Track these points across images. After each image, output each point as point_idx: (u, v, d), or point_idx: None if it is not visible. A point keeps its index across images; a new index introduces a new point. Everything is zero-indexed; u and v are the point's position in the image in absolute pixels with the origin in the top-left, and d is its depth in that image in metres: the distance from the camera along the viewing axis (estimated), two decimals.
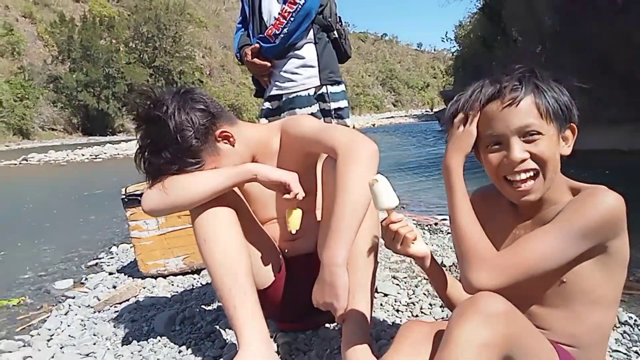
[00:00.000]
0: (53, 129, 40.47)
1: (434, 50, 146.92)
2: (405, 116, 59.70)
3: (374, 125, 37.81)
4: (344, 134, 1.40)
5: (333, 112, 2.38)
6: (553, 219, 0.99)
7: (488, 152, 1.06)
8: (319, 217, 1.62)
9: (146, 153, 1.46)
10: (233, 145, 1.51)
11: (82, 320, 2.31)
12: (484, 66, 16.60)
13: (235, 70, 62.97)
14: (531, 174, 1.02)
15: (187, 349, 1.76)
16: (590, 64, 6.82)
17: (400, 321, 1.87)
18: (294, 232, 1.50)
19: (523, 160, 1.01)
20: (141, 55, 48.84)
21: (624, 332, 1.81)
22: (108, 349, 1.88)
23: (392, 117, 59.10)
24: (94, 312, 2.41)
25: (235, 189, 1.56)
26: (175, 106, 1.44)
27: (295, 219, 1.50)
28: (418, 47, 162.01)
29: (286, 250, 1.70)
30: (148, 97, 1.49)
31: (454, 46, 32.33)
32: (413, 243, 1.15)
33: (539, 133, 1.00)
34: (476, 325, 0.86)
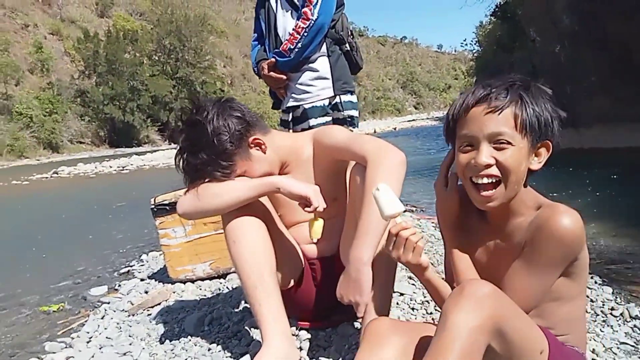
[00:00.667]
0: (81, 142, 41.52)
1: (455, 51, 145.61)
2: (427, 119, 59.31)
3: (395, 129, 37.68)
4: (374, 143, 1.52)
5: (352, 120, 2.50)
6: (524, 253, 1.06)
7: (460, 152, 1.11)
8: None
9: (185, 154, 1.59)
10: (264, 152, 1.65)
11: (117, 323, 2.47)
12: (504, 67, 16.50)
13: (256, 79, 62.73)
14: (493, 180, 1.07)
15: (215, 346, 1.89)
16: (611, 62, 6.77)
17: (415, 318, 1.96)
18: (315, 240, 1.60)
19: (489, 166, 1.05)
20: (164, 67, 49.79)
21: (634, 326, 1.87)
22: (143, 348, 2.02)
23: (414, 120, 58.76)
24: (129, 315, 2.56)
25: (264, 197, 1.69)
26: (215, 112, 1.58)
27: (317, 229, 1.59)
28: (438, 48, 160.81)
29: (311, 253, 1.82)
30: (192, 103, 1.65)
31: (475, 48, 32.15)
32: (423, 252, 1.16)
33: (509, 143, 1.05)
34: (466, 310, 0.94)
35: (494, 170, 1.07)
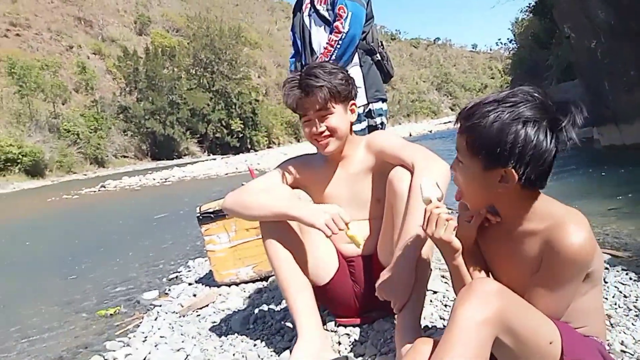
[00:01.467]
0: (125, 156, 43.10)
1: (490, 50, 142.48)
2: None
3: (430, 131, 37.32)
4: (422, 152, 1.64)
5: (379, 127, 2.62)
6: (541, 272, 1.12)
7: None
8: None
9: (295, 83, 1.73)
10: (351, 122, 1.80)
11: (170, 324, 2.66)
12: (540, 64, 16.16)
13: None
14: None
15: (260, 342, 2.03)
16: None
17: (447, 315, 2.05)
18: (361, 248, 1.69)
19: (455, 177, 1.20)
20: (201, 81, 51.13)
21: None
22: (194, 345, 2.19)
23: (450, 121, 57.83)
24: (179, 316, 2.75)
25: (303, 193, 1.85)
26: (341, 69, 1.80)
27: (356, 239, 1.63)
28: (473, 48, 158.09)
29: (350, 252, 1.92)
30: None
31: (511, 45, 31.55)
32: (454, 231, 1.21)
33: (460, 161, 1.16)
34: (473, 305, 1.02)
35: (456, 181, 1.22)
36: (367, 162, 1.80)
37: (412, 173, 1.59)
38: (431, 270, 1.67)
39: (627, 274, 2.50)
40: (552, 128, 1.05)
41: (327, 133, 1.73)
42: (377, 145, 1.79)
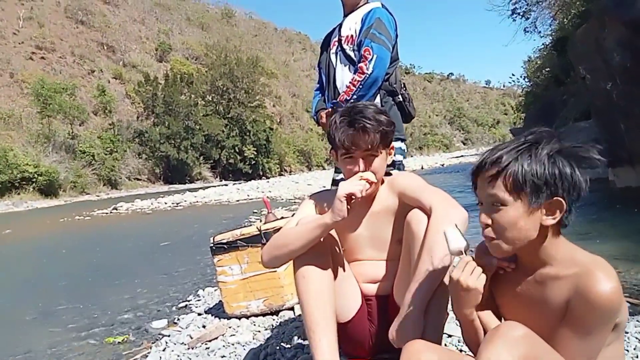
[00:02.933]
0: (138, 179, 43.51)
1: (503, 86, 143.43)
2: (476, 154, 58.10)
3: (442, 165, 37.26)
4: (440, 196, 1.64)
5: (400, 166, 2.64)
6: (570, 320, 1.10)
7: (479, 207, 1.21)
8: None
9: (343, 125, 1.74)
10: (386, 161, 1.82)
11: (178, 356, 2.63)
12: (555, 102, 16.18)
13: (304, 117, 65.22)
14: (489, 237, 1.17)
15: None
16: None
17: None
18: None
19: (487, 225, 1.16)
20: (217, 107, 51.90)
21: None
22: None
23: (462, 155, 57.85)
24: (188, 348, 2.73)
25: (332, 231, 1.82)
26: (384, 110, 1.85)
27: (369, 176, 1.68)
28: (486, 84, 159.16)
29: (368, 290, 1.91)
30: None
31: (524, 82, 31.75)
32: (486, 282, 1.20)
33: (503, 204, 1.12)
34: (499, 350, 1.01)
35: (489, 232, 1.16)
36: (388, 201, 1.80)
37: (429, 217, 1.58)
38: (448, 314, 1.65)
39: None
40: (577, 161, 1.11)
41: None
42: (399, 186, 1.79)
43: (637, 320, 2.48)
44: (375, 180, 1.66)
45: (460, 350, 2.11)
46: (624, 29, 6.83)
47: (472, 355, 1.33)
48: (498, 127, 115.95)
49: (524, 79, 31.88)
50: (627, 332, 2.29)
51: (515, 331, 1.05)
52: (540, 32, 21.14)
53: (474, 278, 1.18)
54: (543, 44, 20.33)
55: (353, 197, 1.62)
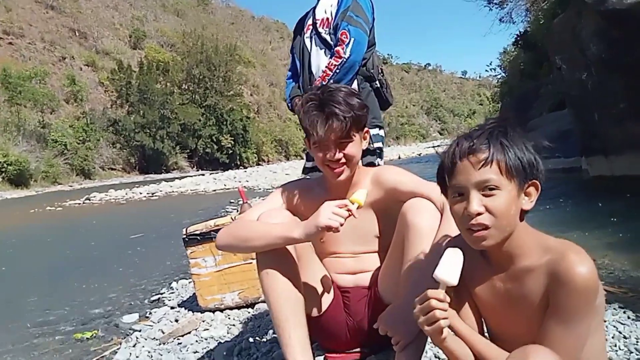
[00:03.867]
0: (112, 169, 42.69)
1: (479, 77, 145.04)
2: None
3: (419, 155, 37.52)
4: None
5: (380, 153, 2.57)
6: (552, 311, 1.06)
7: (452, 203, 1.14)
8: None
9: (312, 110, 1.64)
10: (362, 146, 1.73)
11: (149, 352, 2.53)
12: (529, 93, 16.39)
13: (282, 106, 64.75)
14: (484, 226, 1.09)
15: None
16: None
17: (442, 354, 1.96)
18: (355, 207, 1.54)
19: (480, 213, 1.08)
20: (193, 96, 51.16)
21: None
22: None
23: (438, 145, 58.18)
24: (160, 344, 2.63)
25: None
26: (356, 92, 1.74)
27: (359, 200, 1.55)
28: (463, 75, 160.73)
29: (345, 282, 1.84)
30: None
31: (500, 73, 32.10)
32: (442, 333, 1.12)
33: (497, 188, 1.07)
34: None
35: (484, 219, 1.08)
36: (372, 196, 1.71)
37: (441, 211, 1.53)
38: None
39: (624, 312, 2.44)
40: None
41: (343, 160, 1.66)
42: (389, 182, 1.71)
43: (614, 308, 2.48)
44: (355, 213, 1.52)
45: None
46: (601, 20, 6.89)
47: None
48: (474, 118, 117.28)
49: (500, 69, 32.25)
50: (605, 320, 2.28)
51: (545, 358, 1.00)
52: (515, 22, 21.35)
53: (424, 324, 1.13)
54: (515, 35, 20.51)
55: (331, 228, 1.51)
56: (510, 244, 1.13)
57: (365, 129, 1.74)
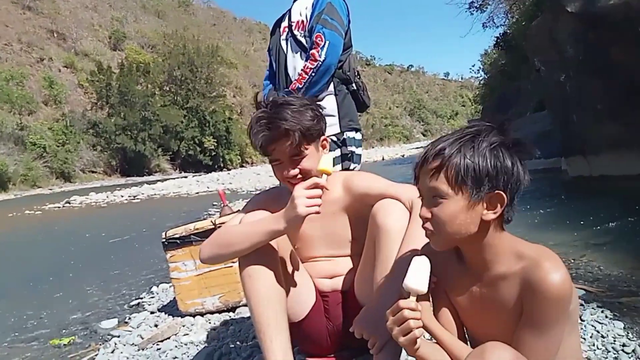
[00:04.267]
0: (93, 171, 42.05)
1: (462, 78, 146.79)
2: None
3: (403, 156, 37.74)
4: (414, 192, 1.57)
5: (351, 156, 2.56)
6: (526, 318, 1.06)
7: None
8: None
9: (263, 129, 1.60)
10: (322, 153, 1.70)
11: (127, 358, 2.48)
12: (510, 95, 16.63)
13: None
14: (430, 231, 1.12)
15: None
16: (619, 90, 6.79)
17: None
18: (324, 179, 1.52)
19: (426, 219, 1.11)
20: (175, 98, 50.69)
21: None
22: None
23: (422, 147, 58.68)
24: (138, 349, 2.58)
25: None
26: (307, 103, 1.67)
27: (327, 170, 1.53)
28: (445, 76, 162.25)
29: (324, 286, 1.83)
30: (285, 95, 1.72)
31: (481, 75, 32.48)
32: (416, 343, 1.12)
33: (443, 198, 1.08)
34: None
35: (428, 225, 1.12)
36: (344, 201, 1.71)
37: (410, 211, 1.52)
38: None
39: (602, 311, 2.46)
40: (518, 155, 1.08)
41: (300, 176, 1.64)
42: (359, 188, 1.70)
43: (592, 308, 2.50)
44: (326, 184, 1.51)
45: None
46: (577, 22, 7.00)
47: None
48: (457, 119, 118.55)
49: (481, 72, 32.64)
50: (583, 320, 2.31)
51: (502, 356, 0.99)
52: (497, 26, 21.62)
53: (399, 336, 1.11)
54: (497, 37, 20.76)
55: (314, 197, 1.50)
56: (485, 251, 1.12)
57: (323, 137, 1.72)
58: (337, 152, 2.51)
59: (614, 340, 2.07)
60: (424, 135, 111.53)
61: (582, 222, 5.35)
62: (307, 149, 1.64)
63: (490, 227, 1.11)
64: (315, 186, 1.50)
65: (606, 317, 2.38)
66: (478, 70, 34.42)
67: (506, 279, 1.10)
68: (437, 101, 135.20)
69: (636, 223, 5.05)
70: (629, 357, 1.92)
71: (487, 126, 1.11)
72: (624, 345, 2.01)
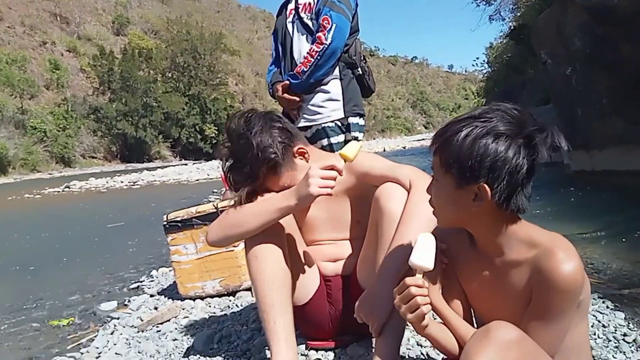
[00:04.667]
0: (93, 157, 42.06)
1: (465, 71, 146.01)
2: None
3: (404, 147, 37.73)
4: (418, 172, 1.55)
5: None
6: (534, 306, 1.05)
7: None
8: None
9: (231, 170, 1.62)
10: (307, 161, 1.67)
11: (127, 339, 2.47)
12: (514, 88, 16.53)
13: (267, 97, 64.08)
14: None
15: None
16: (624, 85, 6.74)
17: (425, 340, 1.95)
18: (342, 164, 1.49)
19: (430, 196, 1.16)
20: (177, 84, 50.54)
21: None
22: None
23: (423, 139, 58.73)
24: (138, 331, 2.57)
25: None
26: (260, 125, 1.60)
27: (348, 156, 1.49)
28: (449, 69, 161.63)
29: (328, 271, 1.81)
30: (241, 117, 1.66)
31: (485, 68, 32.29)
32: (424, 319, 1.13)
33: (435, 179, 1.12)
34: (492, 355, 0.93)
35: (431, 202, 1.17)
36: (346, 183, 1.68)
37: (408, 192, 1.50)
38: None
39: (603, 301, 2.46)
40: (526, 145, 1.01)
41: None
42: (361, 167, 1.67)
43: (594, 298, 2.50)
44: (341, 170, 1.49)
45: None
46: (585, 15, 6.93)
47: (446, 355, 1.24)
48: (459, 112, 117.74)
49: (485, 64, 32.42)
50: None
51: (507, 334, 0.97)
52: (504, 19, 21.44)
53: (408, 312, 1.12)
54: (509, 28, 20.59)
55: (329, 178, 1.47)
56: (498, 237, 1.11)
57: (298, 147, 1.68)
58: (341, 138, 2.48)
59: (615, 330, 2.06)
60: (425, 127, 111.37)
61: (584, 216, 5.35)
62: (279, 172, 1.62)
63: (501, 215, 1.08)
64: (332, 168, 1.47)
65: (607, 307, 2.38)
66: (482, 63, 34.20)
67: (518, 266, 1.09)
68: (440, 94, 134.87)
69: (637, 217, 5.04)
70: (630, 347, 1.92)
71: (505, 113, 1.04)
72: (624, 335, 2.01)
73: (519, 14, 20.12)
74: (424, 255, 1.13)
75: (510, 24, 20.76)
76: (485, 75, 31.31)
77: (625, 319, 2.23)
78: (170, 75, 51.41)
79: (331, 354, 1.83)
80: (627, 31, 6.38)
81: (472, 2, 20.66)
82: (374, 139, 74.10)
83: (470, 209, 1.06)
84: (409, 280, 1.11)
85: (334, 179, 1.47)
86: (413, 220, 1.41)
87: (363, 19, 2.63)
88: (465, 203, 1.06)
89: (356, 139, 2.52)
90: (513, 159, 0.99)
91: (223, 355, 1.99)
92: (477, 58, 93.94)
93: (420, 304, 1.09)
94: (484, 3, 20.67)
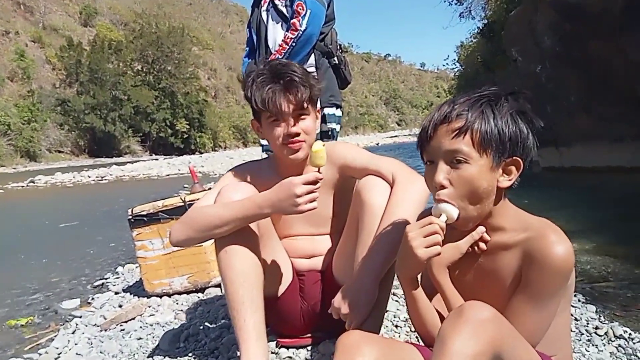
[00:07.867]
0: (60, 151, 40.88)
1: (437, 69, 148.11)
2: (409, 135, 59.76)
3: (377, 144, 37.94)
4: (400, 165, 1.51)
5: (332, 134, 2.48)
6: (523, 287, 1.02)
7: (425, 169, 1.09)
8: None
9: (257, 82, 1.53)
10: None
11: (89, 339, 2.35)
12: (486, 85, 16.78)
13: (240, 92, 63.83)
14: (444, 201, 1.03)
15: None
16: (592, 82, 6.89)
17: (399, 336, 1.91)
18: (321, 166, 1.43)
19: (443, 187, 1.02)
20: (147, 78, 49.54)
21: (619, 345, 1.86)
22: None
23: (396, 136, 59.29)
24: (101, 330, 2.45)
25: None
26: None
27: (319, 154, 1.41)
28: (421, 66, 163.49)
29: (301, 266, 1.76)
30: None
31: (457, 66, 32.69)
32: (434, 255, 1.07)
33: (466, 161, 1.01)
34: (466, 336, 0.89)
35: (444, 194, 1.03)
36: (327, 175, 1.59)
37: (391, 186, 1.45)
38: (392, 285, 1.52)
39: (575, 295, 2.49)
40: (529, 120, 1.05)
41: (301, 136, 1.55)
42: (341, 158, 1.61)
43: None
44: (322, 177, 1.42)
45: (396, 326, 2.01)
46: (554, 13, 7.05)
47: (423, 339, 1.20)
48: (431, 109, 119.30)
49: (456, 63, 32.81)
50: None
51: (482, 314, 0.93)
52: (474, 17, 21.67)
53: (422, 246, 1.04)
54: (477, 27, 20.83)
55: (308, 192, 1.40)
56: (491, 218, 1.08)
57: (318, 107, 1.65)
58: (318, 129, 2.42)
59: (587, 323, 2.08)
60: (398, 124, 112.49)
61: (552, 212, 5.42)
62: (310, 108, 1.57)
63: (500, 195, 1.06)
64: (315, 182, 1.40)
65: (579, 300, 2.40)
66: (453, 61, 34.58)
67: (508, 249, 1.06)
68: (413, 91, 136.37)
69: (605, 213, 5.16)
70: (602, 339, 1.93)
71: (500, 92, 1.05)
72: (596, 327, 2.03)
73: (489, 12, 20.40)
74: (450, 207, 1.05)
75: (480, 22, 21.03)
76: (457, 73, 31.71)
77: (596, 312, 2.25)
78: (140, 68, 50.36)
79: (303, 351, 1.77)
80: (594, 29, 6.52)
81: (444, 1, 20.85)
82: (348, 135, 74.39)
83: (494, 191, 1.04)
84: (434, 218, 1.05)
85: (317, 190, 1.41)
86: (397, 214, 1.36)
87: (337, 14, 2.58)
88: (493, 185, 1.03)
89: (333, 130, 2.47)
90: (529, 135, 1.04)
91: (190, 355, 1.91)
92: (448, 57, 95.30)
93: (438, 242, 1.04)
94: (456, 2, 20.88)
